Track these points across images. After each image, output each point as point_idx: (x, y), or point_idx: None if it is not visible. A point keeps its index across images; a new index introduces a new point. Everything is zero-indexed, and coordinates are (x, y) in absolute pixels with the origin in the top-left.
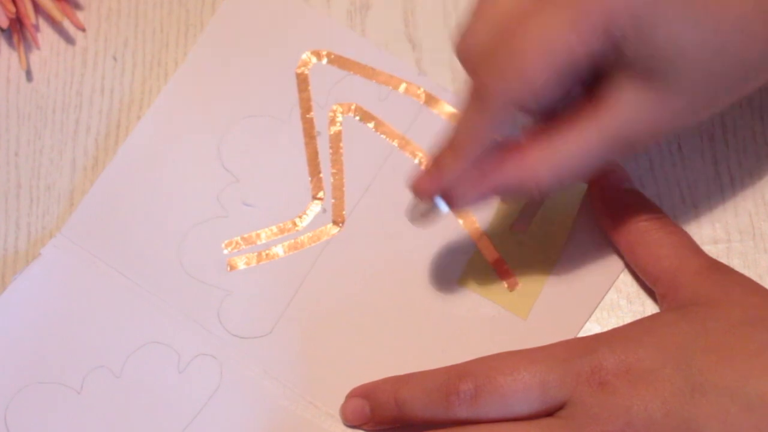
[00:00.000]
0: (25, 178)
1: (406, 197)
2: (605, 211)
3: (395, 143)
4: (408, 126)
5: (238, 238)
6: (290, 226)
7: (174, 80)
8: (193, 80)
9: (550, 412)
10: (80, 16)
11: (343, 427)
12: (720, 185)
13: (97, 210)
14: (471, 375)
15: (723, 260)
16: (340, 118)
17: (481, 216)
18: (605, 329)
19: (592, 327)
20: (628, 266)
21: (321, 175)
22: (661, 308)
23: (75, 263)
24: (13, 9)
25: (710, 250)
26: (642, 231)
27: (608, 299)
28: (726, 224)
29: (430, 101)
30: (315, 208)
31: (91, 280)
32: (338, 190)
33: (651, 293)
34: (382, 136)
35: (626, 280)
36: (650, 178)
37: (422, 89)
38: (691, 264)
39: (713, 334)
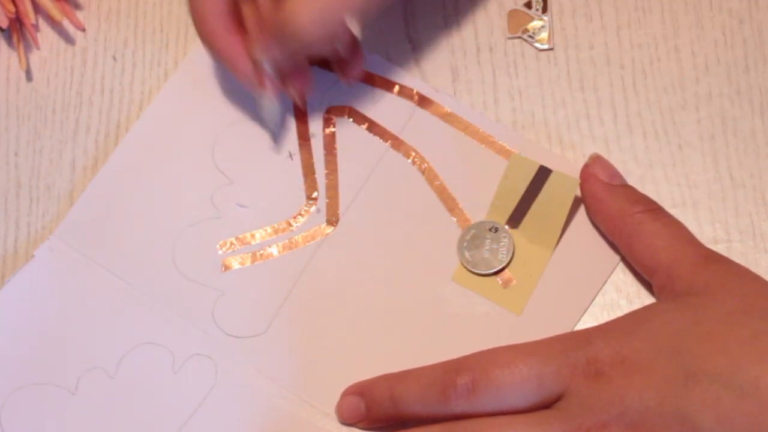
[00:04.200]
0: (25, 178)
1: (400, 197)
2: (599, 207)
3: (389, 144)
4: (402, 127)
5: (233, 238)
6: (284, 226)
7: (169, 82)
8: (188, 82)
9: (546, 405)
10: (80, 16)
11: (339, 426)
12: (720, 185)
13: (91, 212)
14: (468, 369)
15: None
16: (334, 120)
17: (475, 213)
18: None
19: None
20: (625, 262)
21: (315, 175)
22: (657, 300)
23: (69, 265)
24: (12, 9)
25: None
26: (637, 223)
27: (608, 299)
28: (726, 224)
29: (423, 102)
30: (309, 208)
31: (85, 282)
32: (332, 190)
33: (651, 293)
34: (375, 137)
35: (626, 280)
36: (650, 178)
37: (415, 90)
38: (688, 255)
39: (707, 322)
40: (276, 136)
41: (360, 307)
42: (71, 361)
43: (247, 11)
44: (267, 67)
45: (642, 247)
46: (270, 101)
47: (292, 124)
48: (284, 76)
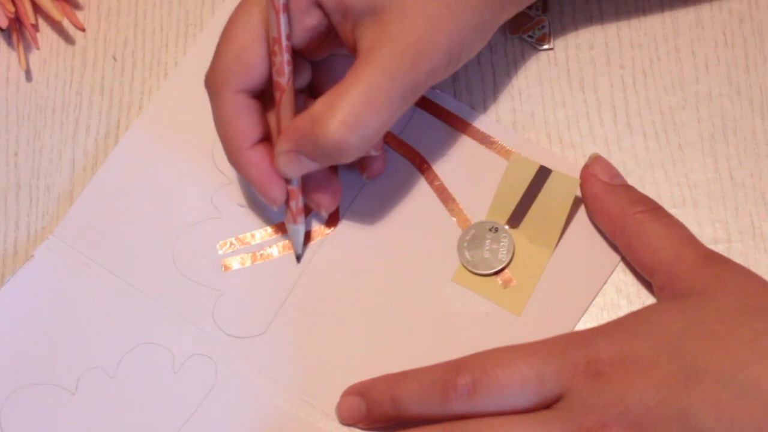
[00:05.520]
0: (25, 178)
1: (400, 197)
2: (599, 207)
3: (389, 144)
4: (401, 128)
5: (233, 238)
6: (284, 226)
7: (169, 82)
8: (188, 82)
9: (547, 405)
10: (80, 16)
11: (339, 426)
12: (720, 185)
13: (91, 211)
14: (468, 369)
15: None
16: None
17: (475, 213)
18: None
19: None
20: (625, 262)
21: None
22: (658, 300)
23: (68, 264)
24: (12, 9)
25: None
26: (637, 223)
27: (608, 299)
28: (726, 224)
29: (423, 102)
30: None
31: (84, 281)
32: None
33: (651, 293)
34: None
35: (626, 280)
36: (650, 177)
37: None
38: (688, 255)
39: (707, 322)
40: (301, 257)
41: (360, 308)
42: (71, 361)
43: (273, 123)
44: (296, 185)
45: (642, 247)
46: (299, 231)
47: None
48: (311, 190)
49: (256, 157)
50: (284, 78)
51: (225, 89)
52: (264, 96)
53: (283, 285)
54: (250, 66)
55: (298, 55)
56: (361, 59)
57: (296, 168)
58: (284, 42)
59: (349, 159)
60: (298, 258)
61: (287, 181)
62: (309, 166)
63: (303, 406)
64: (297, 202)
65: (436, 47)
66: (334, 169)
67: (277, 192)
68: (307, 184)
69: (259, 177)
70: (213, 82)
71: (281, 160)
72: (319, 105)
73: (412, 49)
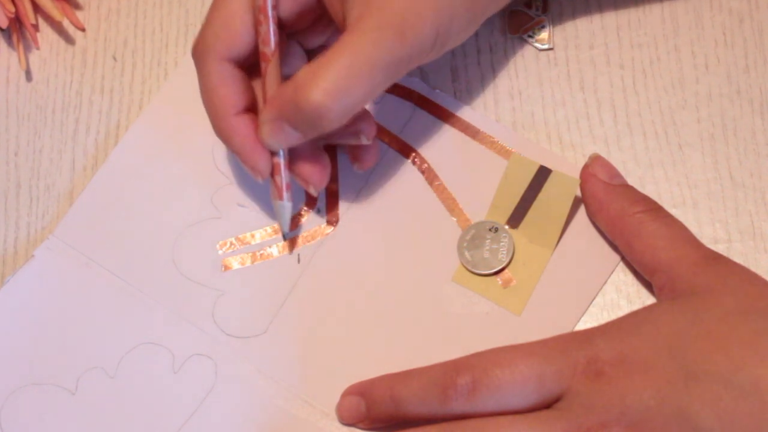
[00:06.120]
0: (25, 178)
1: (400, 197)
2: (599, 207)
3: (389, 144)
4: (402, 127)
5: (233, 238)
6: None
7: (169, 81)
8: (188, 81)
9: (547, 405)
10: (80, 16)
11: (339, 426)
12: (720, 185)
13: (91, 211)
14: (468, 369)
15: None
16: None
17: (475, 213)
18: None
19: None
20: (625, 262)
21: None
22: (658, 300)
23: (68, 265)
24: (12, 9)
25: None
26: (637, 223)
27: (608, 299)
28: (726, 224)
29: (423, 102)
30: (309, 208)
31: (84, 281)
32: (332, 190)
33: (651, 293)
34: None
35: (626, 280)
36: (650, 178)
37: (415, 91)
38: (688, 255)
39: (707, 322)
40: (287, 235)
41: (360, 307)
42: (71, 361)
43: (260, 94)
44: (281, 158)
45: (642, 246)
46: (285, 207)
47: None
48: (298, 164)
49: (241, 125)
50: (269, 48)
51: (210, 57)
52: (251, 69)
53: (283, 285)
54: (236, 33)
55: (291, 38)
56: (348, 30)
57: (280, 138)
58: (270, 11)
59: (331, 127)
60: (284, 236)
61: (273, 154)
62: (292, 136)
63: (303, 406)
64: (283, 177)
65: (422, 20)
66: (323, 148)
67: (261, 162)
68: (295, 159)
69: (243, 146)
70: (199, 50)
71: (265, 130)
72: (303, 72)
73: (398, 19)
